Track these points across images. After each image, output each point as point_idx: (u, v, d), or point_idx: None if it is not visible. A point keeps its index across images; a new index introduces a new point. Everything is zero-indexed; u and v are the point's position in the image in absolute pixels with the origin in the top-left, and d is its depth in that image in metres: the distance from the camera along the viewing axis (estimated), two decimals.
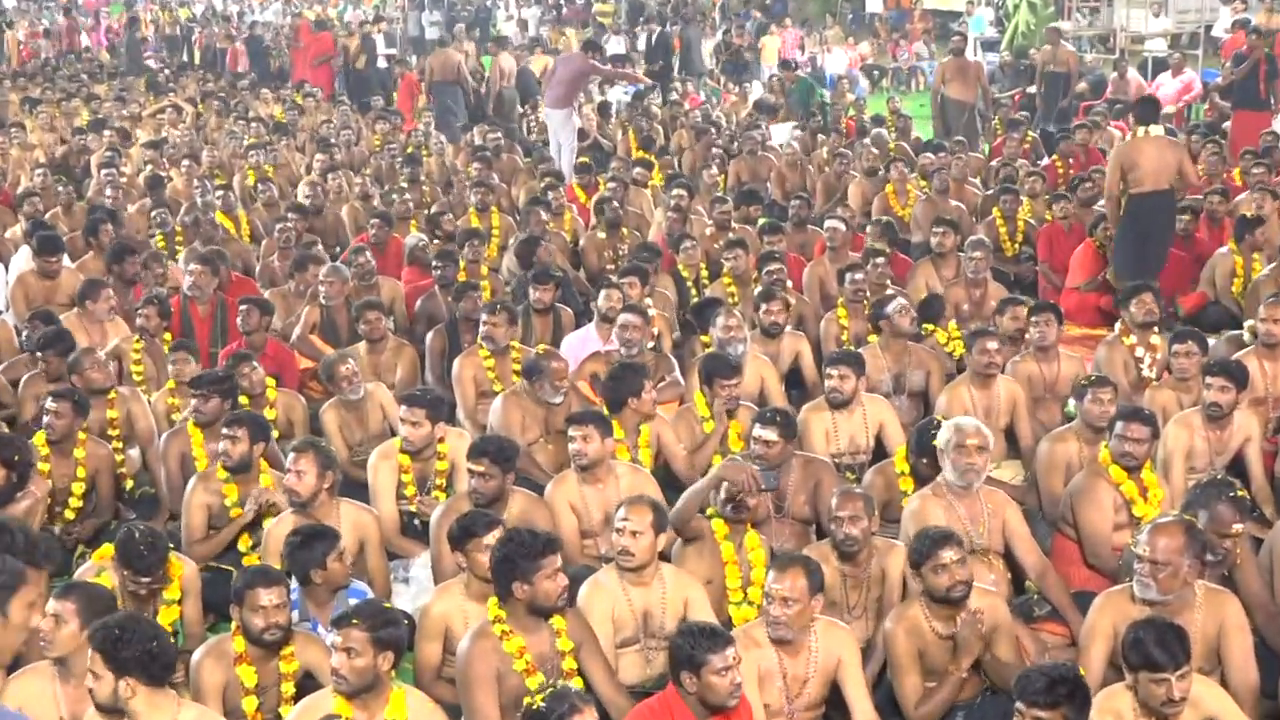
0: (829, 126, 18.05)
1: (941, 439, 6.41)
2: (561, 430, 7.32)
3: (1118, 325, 8.96)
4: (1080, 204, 12.24)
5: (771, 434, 6.75)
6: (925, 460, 6.72)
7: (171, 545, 6.23)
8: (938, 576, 5.49)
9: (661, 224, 12.31)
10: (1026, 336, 8.65)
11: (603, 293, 9.21)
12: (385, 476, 7.19)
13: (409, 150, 16.39)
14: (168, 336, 9.26)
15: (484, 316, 8.67)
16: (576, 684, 5.29)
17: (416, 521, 7.23)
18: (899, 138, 17.08)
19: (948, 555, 5.46)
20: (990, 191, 13.46)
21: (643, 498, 5.91)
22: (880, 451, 7.73)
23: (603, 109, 19.78)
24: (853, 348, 8.85)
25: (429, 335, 9.48)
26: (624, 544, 5.67)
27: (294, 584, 5.85)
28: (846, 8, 32.63)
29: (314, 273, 10.16)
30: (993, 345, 7.97)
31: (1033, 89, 20.79)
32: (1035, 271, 12.07)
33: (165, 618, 5.98)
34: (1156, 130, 10.84)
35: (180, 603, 6.05)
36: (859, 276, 9.58)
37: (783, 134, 17.84)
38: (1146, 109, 11.03)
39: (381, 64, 23.94)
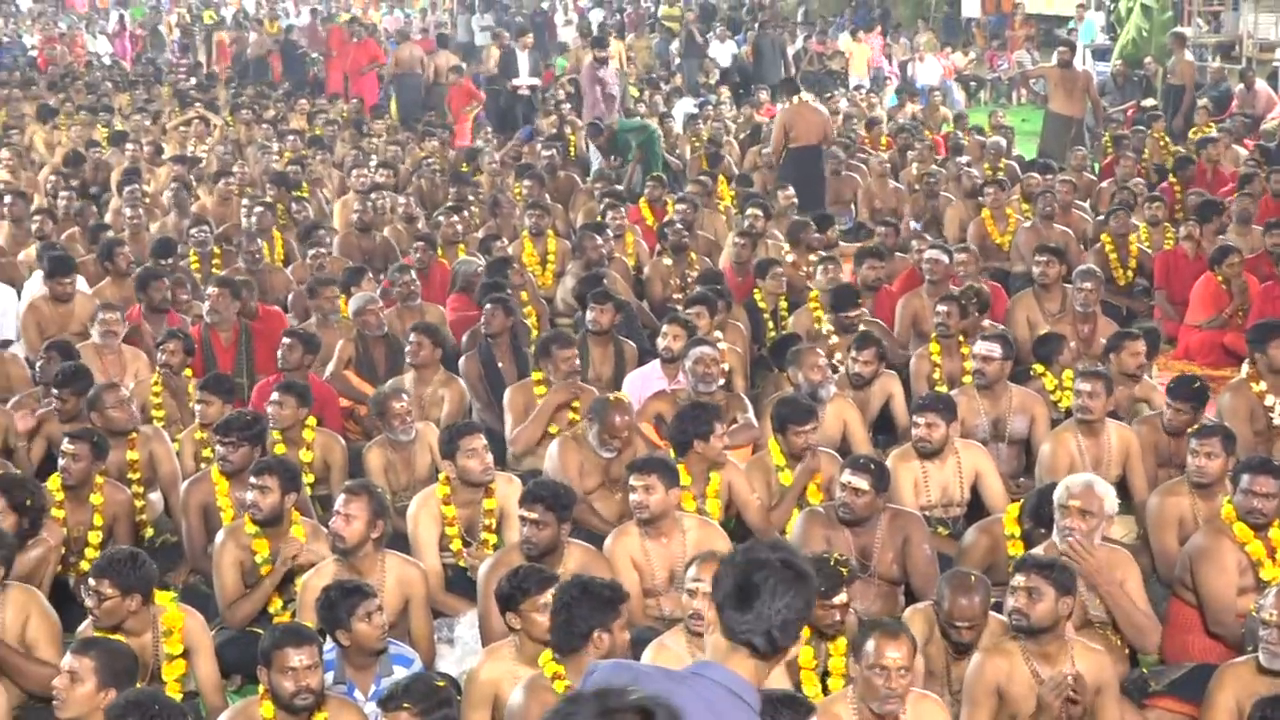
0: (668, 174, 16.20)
1: (1055, 495, 6.32)
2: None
3: (1245, 368, 8.80)
4: (1211, 233, 12.18)
5: (863, 482, 6.67)
6: (1043, 530, 6.53)
7: (173, 591, 6.31)
8: None
9: (731, 250, 12.30)
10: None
11: (664, 328, 9.14)
12: (427, 527, 7.20)
13: (463, 167, 16.50)
14: (189, 372, 9.30)
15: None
16: None
17: (466, 574, 7.24)
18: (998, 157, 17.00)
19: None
20: (1100, 216, 13.42)
21: (714, 554, 5.80)
22: (976, 504, 7.71)
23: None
24: (945, 388, 8.83)
25: (461, 360, 9.54)
26: (695, 606, 5.56)
27: (330, 644, 5.90)
28: (941, 12, 32.54)
29: (327, 296, 10.26)
30: (1086, 387, 7.79)
31: (1148, 102, 20.69)
32: (1150, 305, 12.01)
33: (170, 673, 6.02)
34: (808, 98, 16.04)
35: (186, 658, 6.07)
36: (946, 309, 9.41)
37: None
38: (789, 85, 16.74)
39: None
